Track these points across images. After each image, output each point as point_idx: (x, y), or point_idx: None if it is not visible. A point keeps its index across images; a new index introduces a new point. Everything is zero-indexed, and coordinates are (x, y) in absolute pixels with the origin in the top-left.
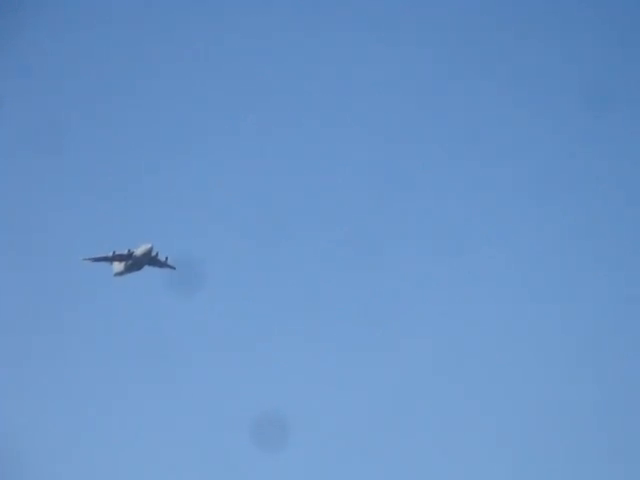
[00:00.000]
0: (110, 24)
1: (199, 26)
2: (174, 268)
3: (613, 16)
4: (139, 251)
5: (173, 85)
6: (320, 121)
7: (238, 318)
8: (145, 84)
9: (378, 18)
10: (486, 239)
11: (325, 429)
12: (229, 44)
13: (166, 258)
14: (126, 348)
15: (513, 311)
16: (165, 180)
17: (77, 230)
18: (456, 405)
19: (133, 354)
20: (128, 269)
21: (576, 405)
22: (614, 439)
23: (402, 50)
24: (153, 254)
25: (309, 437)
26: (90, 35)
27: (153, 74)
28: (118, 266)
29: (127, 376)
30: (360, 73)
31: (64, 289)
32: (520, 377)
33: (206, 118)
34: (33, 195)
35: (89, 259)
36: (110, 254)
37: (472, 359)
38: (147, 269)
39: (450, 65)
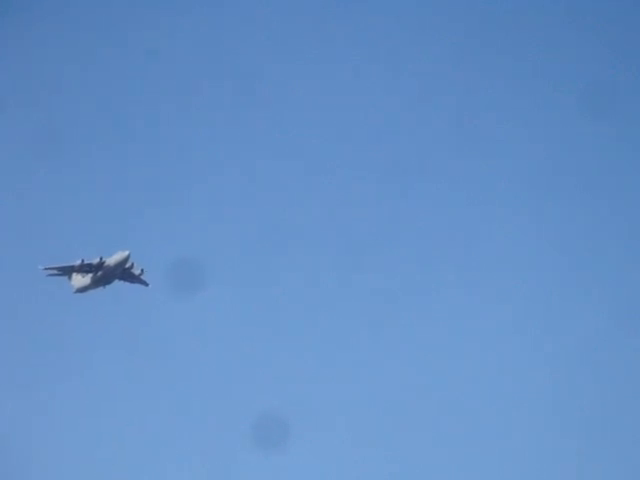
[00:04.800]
0: (111, 25)
1: (201, 27)
2: (147, 284)
3: (613, 16)
4: (112, 260)
5: (175, 86)
6: (320, 122)
7: (238, 318)
8: (146, 85)
9: (378, 17)
10: (484, 240)
11: (325, 429)
12: (233, 44)
13: (141, 271)
14: (126, 348)
15: (512, 311)
16: (166, 181)
17: (76, 231)
18: (455, 405)
19: (133, 354)
20: (95, 283)
21: (575, 406)
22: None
23: (401, 51)
24: (128, 265)
25: (310, 437)
26: (91, 35)
27: (155, 75)
28: (81, 280)
29: (127, 376)
30: (359, 74)
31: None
32: (519, 377)
33: (207, 118)
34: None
35: (49, 268)
36: (77, 262)
37: (471, 359)
38: (116, 285)
39: (449, 65)
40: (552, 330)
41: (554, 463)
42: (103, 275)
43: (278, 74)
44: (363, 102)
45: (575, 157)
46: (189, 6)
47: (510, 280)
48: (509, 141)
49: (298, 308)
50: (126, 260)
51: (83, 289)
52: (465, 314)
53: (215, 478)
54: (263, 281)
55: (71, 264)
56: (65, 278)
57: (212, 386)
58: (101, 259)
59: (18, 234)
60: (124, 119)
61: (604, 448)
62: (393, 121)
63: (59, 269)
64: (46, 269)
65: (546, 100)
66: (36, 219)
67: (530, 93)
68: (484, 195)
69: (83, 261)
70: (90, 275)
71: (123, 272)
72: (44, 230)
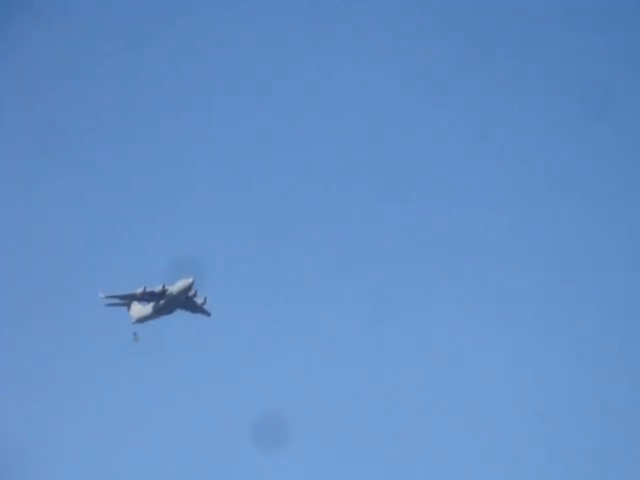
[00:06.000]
0: (111, 24)
1: (201, 27)
2: (209, 314)
3: (613, 16)
4: (175, 287)
5: (175, 85)
6: (321, 121)
7: (238, 318)
8: (146, 84)
9: (379, 15)
10: (485, 240)
11: (325, 429)
12: (233, 46)
13: (204, 300)
14: (125, 346)
15: (512, 311)
16: (167, 181)
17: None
18: (456, 405)
19: (132, 353)
20: (157, 312)
21: (573, 407)
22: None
23: (400, 50)
24: (191, 293)
25: (309, 437)
26: (91, 36)
27: (154, 74)
28: (141, 310)
29: (127, 376)
30: (360, 72)
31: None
32: (519, 377)
33: (207, 118)
34: (32, 197)
35: (109, 297)
36: (139, 290)
37: (472, 359)
38: (177, 314)
39: (449, 64)
40: (554, 332)
41: (553, 465)
42: (165, 304)
43: (279, 70)
44: (364, 103)
45: (575, 157)
46: (189, 6)
47: (510, 281)
48: (509, 141)
49: (298, 308)
50: (190, 287)
51: (143, 319)
52: (464, 316)
53: (214, 478)
54: (262, 281)
55: (132, 292)
56: (125, 309)
57: (211, 386)
58: (164, 287)
59: (17, 234)
60: (124, 119)
61: (602, 449)
62: (393, 122)
63: (120, 297)
64: (106, 297)
65: (546, 100)
66: (35, 219)
67: (530, 93)
68: (483, 194)
69: (145, 289)
70: (152, 304)
71: (186, 301)
72: (44, 230)
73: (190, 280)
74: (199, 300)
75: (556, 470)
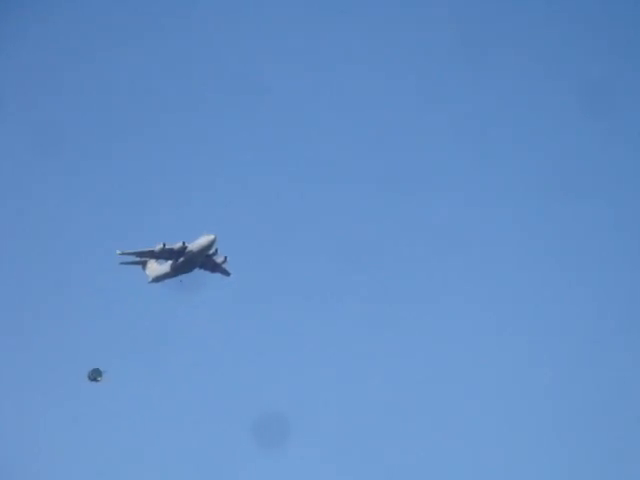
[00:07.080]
0: (111, 24)
1: (203, 27)
2: (229, 274)
3: (612, 15)
4: (196, 245)
5: (175, 84)
6: (322, 122)
7: (239, 317)
8: (147, 84)
9: (378, 15)
10: (485, 240)
11: (325, 429)
12: (236, 46)
13: (224, 258)
14: (126, 346)
15: (513, 310)
16: (167, 180)
17: (80, 232)
18: (456, 405)
19: (133, 352)
20: (175, 271)
21: (573, 408)
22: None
23: (400, 51)
24: (212, 251)
25: (309, 437)
26: (90, 36)
27: (155, 74)
28: (158, 268)
29: (126, 375)
30: (359, 73)
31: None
32: (520, 376)
33: (208, 117)
34: (35, 195)
35: (126, 253)
36: (158, 246)
37: (472, 359)
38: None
39: (449, 64)
40: (554, 331)
41: (554, 467)
42: (184, 262)
43: (280, 71)
44: (365, 102)
45: (575, 157)
46: (189, 8)
47: (510, 281)
48: (509, 141)
49: (298, 308)
50: (211, 245)
51: (160, 278)
52: (464, 316)
53: (214, 478)
54: (263, 281)
55: (150, 249)
56: (139, 267)
57: (212, 385)
58: (184, 244)
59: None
60: (125, 119)
61: (604, 448)
62: (394, 121)
63: (137, 254)
64: (123, 254)
65: (546, 100)
66: (37, 219)
67: (530, 93)
68: (483, 194)
69: (165, 245)
70: (170, 262)
71: (205, 259)
72: (44, 229)
73: (212, 237)
74: (219, 259)
75: (558, 470)
